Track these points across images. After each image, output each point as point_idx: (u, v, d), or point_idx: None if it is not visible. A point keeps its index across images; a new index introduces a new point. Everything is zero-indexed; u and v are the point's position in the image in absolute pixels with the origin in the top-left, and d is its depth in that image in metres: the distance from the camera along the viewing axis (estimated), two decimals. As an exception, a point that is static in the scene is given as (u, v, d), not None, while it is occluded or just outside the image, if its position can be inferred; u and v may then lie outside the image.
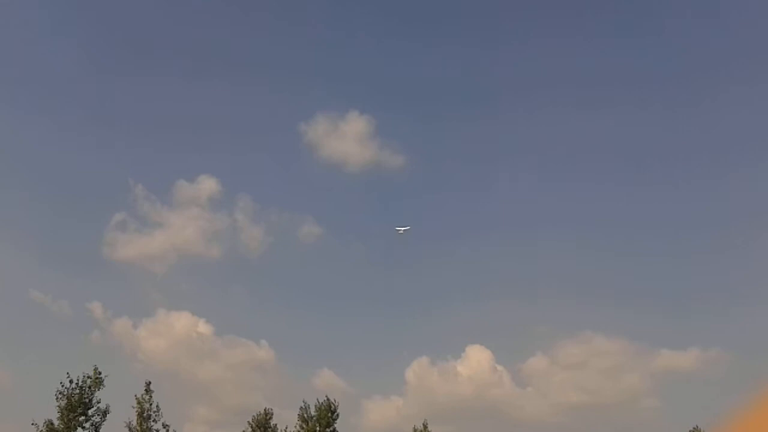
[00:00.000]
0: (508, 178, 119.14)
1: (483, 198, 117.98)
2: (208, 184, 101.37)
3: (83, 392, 40.87)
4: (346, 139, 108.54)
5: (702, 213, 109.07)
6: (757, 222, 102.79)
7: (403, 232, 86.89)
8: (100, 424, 40.49)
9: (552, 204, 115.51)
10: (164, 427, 41.69)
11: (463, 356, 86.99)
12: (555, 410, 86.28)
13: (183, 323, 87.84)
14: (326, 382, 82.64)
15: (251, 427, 53.50)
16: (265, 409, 53.69)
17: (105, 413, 40.68)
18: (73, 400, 40.86)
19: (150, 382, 42.91)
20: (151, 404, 41.62)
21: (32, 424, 40.44)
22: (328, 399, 52.52)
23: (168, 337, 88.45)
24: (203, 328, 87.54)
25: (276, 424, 53.42)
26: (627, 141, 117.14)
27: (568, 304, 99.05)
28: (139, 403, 41.50)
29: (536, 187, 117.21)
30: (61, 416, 40.81)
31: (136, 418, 41.35)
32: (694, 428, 50.46)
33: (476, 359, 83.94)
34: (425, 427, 51.69)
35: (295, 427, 52.29)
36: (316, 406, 52.27)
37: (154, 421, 41.39)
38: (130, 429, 41.20)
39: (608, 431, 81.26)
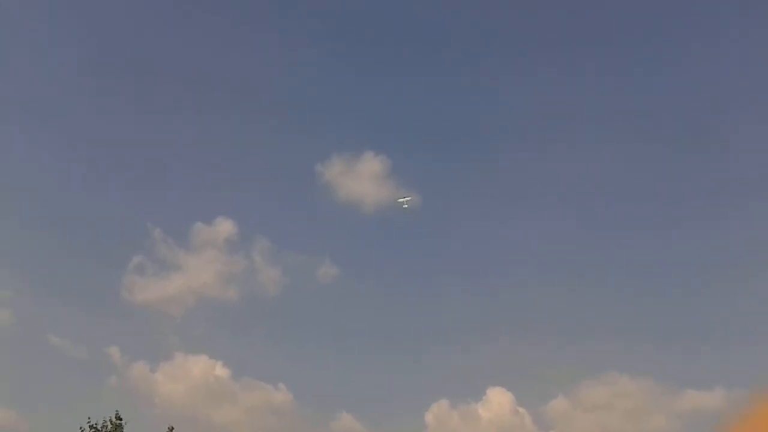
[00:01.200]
0: (525, 217, 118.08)
1: (500, 237, 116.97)
2: (224, 227, 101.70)
3: (103, 438, 40.04)
4: (362, 180, 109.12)
5: (727, 246, 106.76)
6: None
7: (406, 204, 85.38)
8: (121, 471, 39.51)
9: (572, 244, 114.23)
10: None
11: (484, 399, 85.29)
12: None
13: (200, 367, 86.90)
14: (345, 427, 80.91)
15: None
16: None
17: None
18: (92, 445, 40.04)
19: (173, 428, 42.01)
20: (171, 450, 40.68)
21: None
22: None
23: (185, 381, 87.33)
24: (220, 371, 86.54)
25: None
26: (662, 181, 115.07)
27: (591, 343, 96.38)
28: (161, 449, 40.61)
29: (555, 227, 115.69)
30: (80, 462, 39.95)
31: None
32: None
33: (497, 401, 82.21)
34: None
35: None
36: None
37: (175, 466, 40.42)
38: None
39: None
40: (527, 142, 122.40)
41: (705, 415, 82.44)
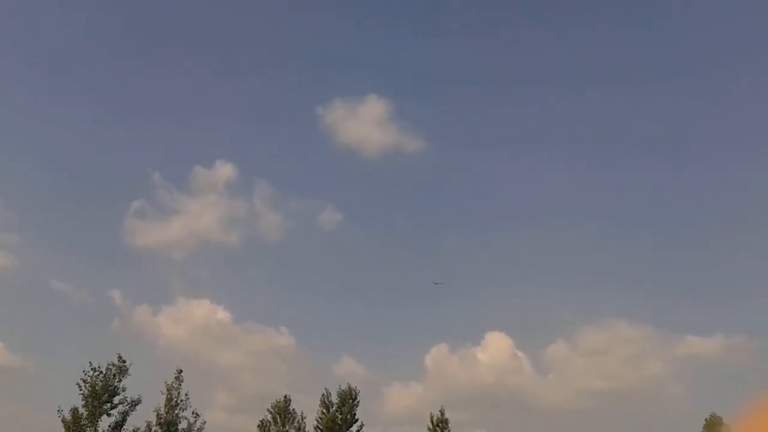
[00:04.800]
0: (530, 164, 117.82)
1: (505, 184, 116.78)
2: (224, 170, 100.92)
3: (107, 380, 40.83)
4: (365, 123, 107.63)
5: (729, 200, 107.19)
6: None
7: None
8: (128, 413, 40.42)
9: (576, 191, 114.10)
10: (193, 415, 41.63)
11: (483, 343, 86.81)
12: (576, 397, 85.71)
13: (202, 310, 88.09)
14: (346, 369, 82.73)
15: (271, 413, 53.56)
16: (285, 396, 53.74)
17: (135, 403, 40.57)
18: (97, 387, 40.84)
19: (181, 371, 42.77)
20: (179, 392, 41.54)
21: (58, 411, 40.46)
22: (349, 386, 52.56)
23: (187, 325, 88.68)
24: (222, 315, 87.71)
25: (294, 410, 53.51)
26: (659, 129, 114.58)
27: (591, 290, 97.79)
28: (168, 390, 41.39)
29: (560, 174, 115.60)
30: (86, 403, 40.80)
31: (164, 405, 41.24)
32: (711, 415, 50.04)
33: (496, 346, 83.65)
34: (442, 413, 51.66)
35: (317, 413, 52.35)
36: (338, 393, 52.26)
37: (182, 409, 41.33)
38: (158, 416, 41.12)
39: (630, 418, 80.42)
40: (531, 88, 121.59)
41: (703, 360, 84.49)
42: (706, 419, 50.18)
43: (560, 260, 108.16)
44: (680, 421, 75.50)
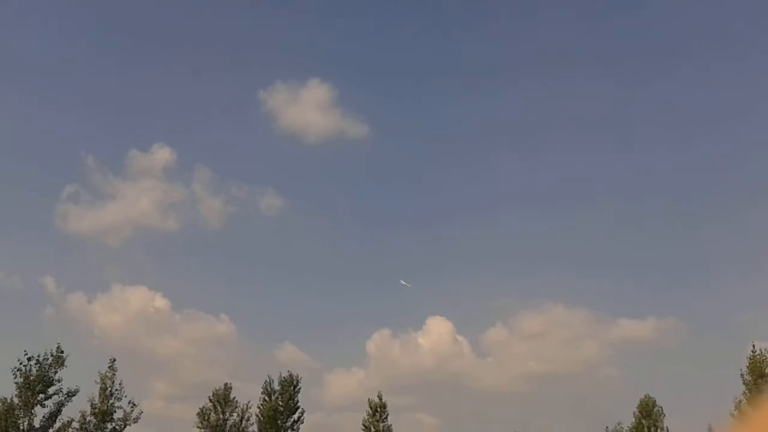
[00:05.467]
0: (474, 152, 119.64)
1: (447, 172, 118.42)
2: (162, 154, 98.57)
3: (42, 369, 39.99)
4: (308, 108, 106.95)
5: (667, 185, 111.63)
6: (717, 200, 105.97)
7: (406, 284, 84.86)
8: (63, 403, 39.72)
9: (514, 175, 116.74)
10: (129, 405, 41.30)
11: (424, 328, 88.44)
12: (514, 380, 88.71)
13: (139, 298, 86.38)
14: (288, 356, 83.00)
15: (211, 401, 53.48)
16: (225, 384, 53.73)
17: (71, 394, 39.89)
18: (31, 377, 39.97)
19: (114, 359, 42.42)
20: (113, 381, 41.14)
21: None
22: (290, 373, 53.05)
23: (124, 313, 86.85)
24: (160, 302, 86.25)
25: (235, 398, 53.61)
26: (606, 111, 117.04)
27: (529, 275, 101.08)
28: (102, 380, 40.93)
29: (501, 160, 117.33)
30: (19, 393, 39.92)
31: (98, 395, 40.77)
32: (645, 396, 52.53)
33: (437, 331, 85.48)
34: (380, 398, 52.77)
35: (259, 400, 52.63)
36: (279, 380, 52.66)
37: (117, 398, 40.96)
38: (92, 406, 40.63)
39: (567, 400, 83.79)
40: (479, 78, 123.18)
41: (636, 342, 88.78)
42: (640, 400, 52.55)
43: (499, 246, 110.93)
44: (615, 402, 79.31)
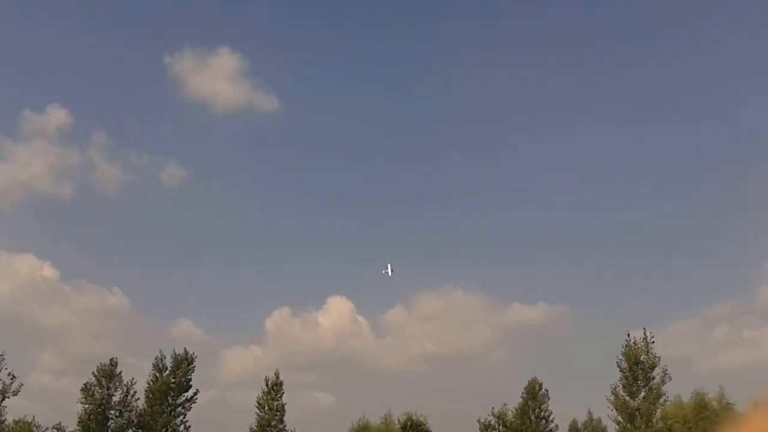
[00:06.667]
0: (381, 131, 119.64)
1: (354, 151, 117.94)
2: (57, 116, 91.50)
3: None
4: (216, 77, 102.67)
5: (547, 163, 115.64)
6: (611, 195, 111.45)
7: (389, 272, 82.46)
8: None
9: (421, 163, 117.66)
10: (9, 377, 38.69)
11: (325, 307, 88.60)
12: (411, 360, 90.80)
13: (26, 266, 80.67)
14: (184, 332, 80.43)
15: (96, 376, 50.94)
16: (111, 359, 51.28)
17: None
18: None
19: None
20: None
21: None
22: (185, 350, 51.34)
23: (9, 281, 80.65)
24: (49, 272, 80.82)
25: (121, 372, 51.33)
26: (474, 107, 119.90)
27: (433, 258, 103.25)
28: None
29: (406, 141, 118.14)
30: None
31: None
32: (532, 379, 55.11)
33: (338, 310, 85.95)
34: (277, 376, 52.30)
35: (149, 377, 50.56)
36: (172, 357, 50.80)
37: (-5, 370, 38.07)
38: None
39: (460, 381, 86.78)
40: (393, 60, 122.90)
41: (527, 326, 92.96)
42: (528, 382, 55.02)
43: (401, 229, 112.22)
44: (506, 383, 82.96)
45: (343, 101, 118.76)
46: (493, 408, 54.47)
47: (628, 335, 51.29)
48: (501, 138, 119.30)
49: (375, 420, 55.78)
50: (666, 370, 49.93)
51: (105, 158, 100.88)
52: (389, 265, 72.67)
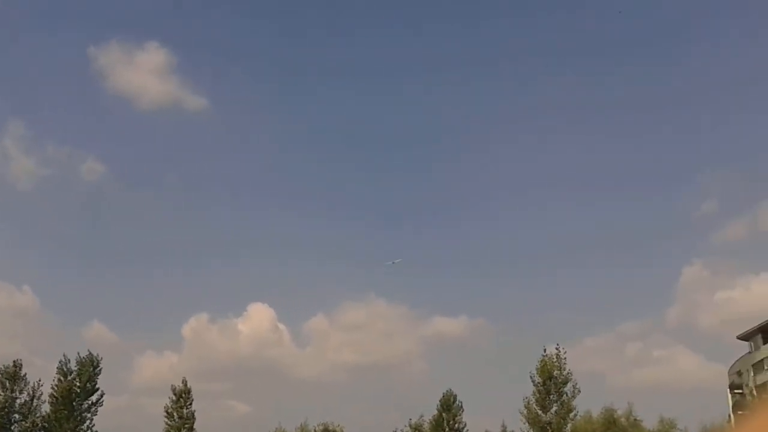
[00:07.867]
0: (314, 134, 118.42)
1: (284, 156, 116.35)
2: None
3: None
4: (142, 72, 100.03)
5: (471, 188, 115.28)
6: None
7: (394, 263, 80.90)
8: None
9: (349, 169, 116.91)
10: None
11: (245, 314, 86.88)
12: (331, 370, 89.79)
13: None
14: (96, 335, 77.84)
15: (-1, 379, 49.26)
16: (14, 361, 49.64)
17: None
18: None
19: None
20: None
21: None
22: (90, 353, 49.91)
23: None
24: (-52, 266, 77.10)
25: (26, 374, 49.77)
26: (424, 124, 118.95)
27: (358, 268, 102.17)
28: None
29: (342, 149, 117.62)
30: None
31: None
32: (447, 391, 55.09)
33: (258, 318, 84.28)
34: (185, 384, 51.24)
35: (53, 380, 49.06)
36: (77, 360, 49.37)
37: None
38: None
39: (380, 391, 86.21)
40: (324, 67, 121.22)
41: (447, 338, 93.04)
42: (443, 394, 54.90)
43: (327, 234, 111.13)
44: (424, 395, 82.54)
45: (269, 105, 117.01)
46: (410, 419, 54.48)
47: (545, 350, 51.78)
48: (432, 156, 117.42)
49: (291, 430, 55.15)
50: (576, 384, 50.45)
51: (20, 149, 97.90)
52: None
